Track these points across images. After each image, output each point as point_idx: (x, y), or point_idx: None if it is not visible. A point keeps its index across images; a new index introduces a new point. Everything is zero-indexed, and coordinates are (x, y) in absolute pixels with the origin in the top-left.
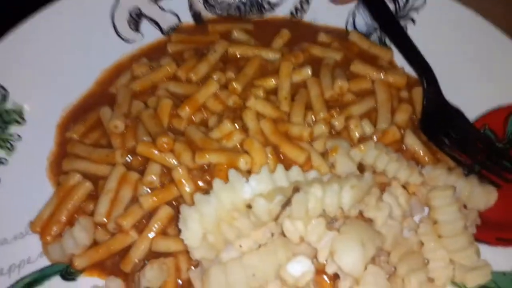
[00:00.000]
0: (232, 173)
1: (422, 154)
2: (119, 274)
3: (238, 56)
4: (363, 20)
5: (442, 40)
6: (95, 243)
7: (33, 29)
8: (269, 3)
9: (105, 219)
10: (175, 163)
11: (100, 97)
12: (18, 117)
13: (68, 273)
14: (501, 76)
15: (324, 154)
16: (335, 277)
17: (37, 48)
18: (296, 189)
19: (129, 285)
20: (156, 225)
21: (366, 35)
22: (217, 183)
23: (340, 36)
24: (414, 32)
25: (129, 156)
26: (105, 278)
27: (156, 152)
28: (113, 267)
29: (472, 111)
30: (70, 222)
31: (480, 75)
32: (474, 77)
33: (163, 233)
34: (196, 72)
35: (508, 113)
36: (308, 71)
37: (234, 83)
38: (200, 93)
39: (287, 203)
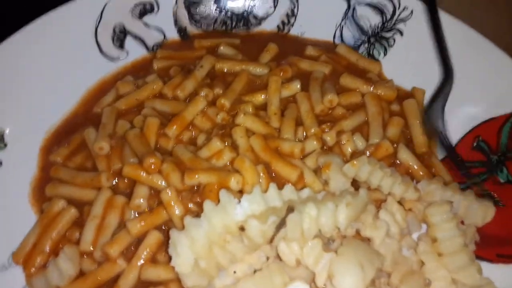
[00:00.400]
0: (223, 193)
1: (416, 169)
2: None
3: (226, 71)
4: (351, 33)
5: (431, 51)
6: (81, 274)
7: (12, 47)
8: (255, 17)
9: (91, 248)
10: (164, 184)
11: (84, 117)
12: None
13: None
14: (492, 87)
15: (316, 171)
16: None
17: (17, 67)
18: (290, 209)
19: None
20: (145, 252)
21: (354, 48)
22: (207, 205)
23: (327, 49)
24: (402, 43)
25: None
26: None
27: (143, 173)
28: None
29: (464, 123)
30: (55, 252)
31: (470, 86)
32: (465, 88)
33: (152, 260)
34: (182, 89)
35: (501, 124)
36: (297, 85)
37: (222, 99)
38: (187, 111)
39: (281, 224)
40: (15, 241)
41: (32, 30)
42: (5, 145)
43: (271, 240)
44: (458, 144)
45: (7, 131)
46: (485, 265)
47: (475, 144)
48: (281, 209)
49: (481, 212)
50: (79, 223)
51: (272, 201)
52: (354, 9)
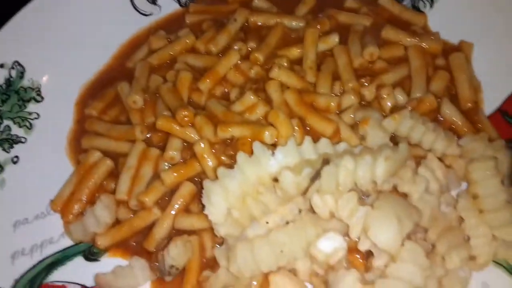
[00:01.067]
0: (256, 145)
1: (460, 124)
2: (142, 254)
3: (260, 25)
4: None
5: (481, 3)
6: (117, 222)
7: (47, 3)
8: None
9: (126, 197)
10: (196, 137)
11: (118, 72)
12: (35, 94)
13: (91, 253)
14: None
15: (353, 126)
16: (368, 255)
17: (52, 23)
18: (325, 161)
19: (153, 264)
20: (178, 202)
21: (397, 0)
22: (241, 156)
23: (368, 1)
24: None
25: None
26: (128, 259)
27: (176, 126)
28: (137, 247)
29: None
30: (91, 201)
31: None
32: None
33: (186, 210)
34: (215, 43)
35: None
36: (335, 38)
37: (256, 53)
38: (220, 65)
39: (316, 176)
40: (53, 190)
41: None
42: (42, 98)
43: (305, 192)
44: (507, 102)
45: (43, 85)
46: None
47: None
48: (316, 162)
49: None
50: (114, 174)
51: (307, 153)
52: None
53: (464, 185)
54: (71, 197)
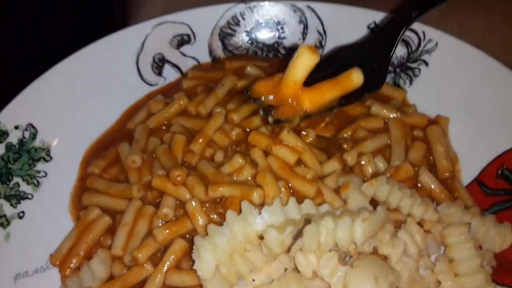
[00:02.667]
0: (245, 204)
1: (437, 192)
2: None
3: None
4: None
5: (456, 81)
6: (111, 277)
7: (63, 72)
8: (284, 48)
9: (122, 252)
10: (188, 196)
11: (119, 133)
12: (45, 154)
13: None
14: None
15: (337, 190)
16: None
17: (66, 89)
18: (307, 221)
19: None
20: (170, 258)
21: None
22: (230, 214)
23: None
24: (427, 74)
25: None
26: None
27: (170, 185)
28: None
29: (488, 151)
30: (89, 256)
31: (495, 115)
32: (490, 117)
33: (177, 267)
34: (204, 105)
35: None
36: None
37: (232, 114)
38: (208, 127)
39: (298, 234)
40: (55, 245)
41: (83, 55)
42: (51, 158)
43: (288, 250)
44: (483, 173)
45: (53, 146)
46: None
47: (499, 172)
48: (300, 222)
49: (499, 239)
50: (111, 231)
51: (291, 213)
52: None
53: (443, 250)
54: (70, 251)
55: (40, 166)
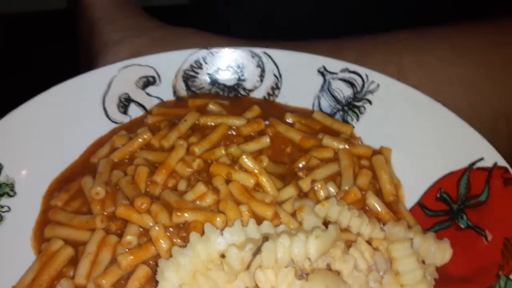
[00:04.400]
0: (207, 226)
1: (383, 213)
2: None
3: (208, 125)
4: (327, 102)
5: (396, 117)
6: None
7: (30, 110)
8: (244, 89)
9: (85, 281)
10: (152, 223)
11: (82, 167)
12: (9, 190)
13: None
14: (449, 146)
15: (293, 215)
16: None
17: (32, 127)
18: (265, 239)
19: None
20: (134, 284)
21: (331, 115)
22: (193, 235)
23: (306, 115)
24: (371, 111)
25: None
26: None
27: (134, 214)
28: None
29: (428, 177)
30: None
31: (432, 145)
32: (427, 147)
33: None
34: (167, 139)
35: (459, 177)
36: (267, 139)
37: (193, 147)
38: (171, 158)
39: (257, 251)
40: (16, 278)
41: (51, 94)
42: (15, 193)
43: (248, 266)
44: (424, 197)
45: (17, 182)
46: None
47: (438, 195)
48: (259, 240)
49: (439, 253)
50: (74, 262)
51: (251, 233)
52: (329, 82)
53: (389, 265)
54: (32, 283)
55: (3, 201)
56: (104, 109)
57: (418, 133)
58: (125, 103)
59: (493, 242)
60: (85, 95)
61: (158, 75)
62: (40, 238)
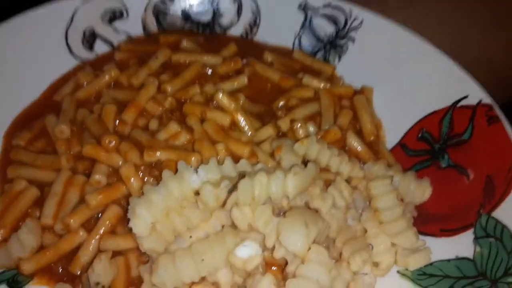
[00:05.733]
0: (181, 163)
1: (363, 153)
2: (68, 281)
3: (181, 63)
4: (308, 41)
5: (380, 55)
6: (42, 248)
7: None
8: (220, 26)
9: (52, 221)
10: (122, 162)
11: (46, 105)
12: None
13: (15, 282)
14: (433, 84)
15: (272, 154)
16: (285, 265)
17: None
18: (242, 176)
19: None
20: (105, 224)
21: (312, 54)
22: (166, 173)
23: (285, 54)
24: (354, 49)
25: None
26: (53, 286)
27: (102, 152)
28: (63, 273)
29: (410, 116)
30: (16, 228)
31: (415, 84)
32: (411, 87)
33: (112, 233)
34: (136, 77)
35: (441, 117)
36: (244, 79)
37: (165, 85)
38: (140, 96)
39: (233, 188)
40: None
41: (8, 27)
42: None
43: (223, 204)
44: (405, 137)
45: None
46: (430, 240)
47: (420, 135)
48: (235, 178)
49: (419, 192)
50: (40, 203)
51: (227, 171)
52: (310, 19)
53: (368, 204)
54: None
55: None
56: (67, 44)
57: (400, 72)
58: (90, 38)
59: (474, 180)
60: (47, 28)
61: (126, 8)
62: (3, 179)
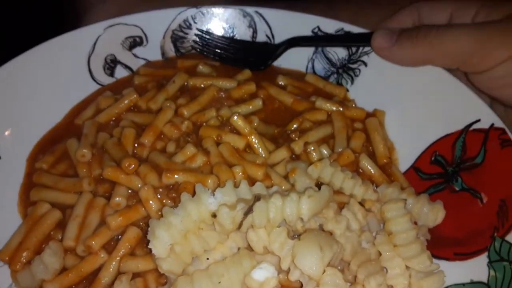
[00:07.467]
0: (198, 186)
1: (376, 175)
2: None
3: (197, 86)
4: (321, 65)
5: (392, 79)
6: (64, 270)
7: (12, 70)
8: None
9: (74, 243)
10: (141, 184)
11: (67, 129)
12: None
13: None
14: (446, 108)
15: (286, 176)
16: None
17: (14, 88)
18: (257, 198)
19: None
20: (124, 246)
21: (325, 78)
22: (184, 195)
23: (298, 77)
24: (366, 73)
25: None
26: None
27: (122, 175)
28: None
29: (423, 140)
30: (39, 251)
31: (427, 108)
32: (423, 110)
33: (131, 254)
34: (154, 101)
35: (454, 140)
36: (259, 102)
37: (182, 108)
38: (158, 120)
39: (249, 210)
40: (2, 243)
41: (33, 55)
42: (0, 157)
43: (239, 226)
44: (418, 160)
45: (0, 145)
46: (443, 263)
47: (433, 158)
48: (250, 200)
49: (432, 215)
50: (62, 225)
51: (243, 194)
52: None
53: (382, 226)
54: (19, 246)
55: None
56: (89, 70)
57: (413, 95)
58: (111, 64)
59: (488, 204)
60: (70, 55)
61: (145, 35)
62: (26, 202)
